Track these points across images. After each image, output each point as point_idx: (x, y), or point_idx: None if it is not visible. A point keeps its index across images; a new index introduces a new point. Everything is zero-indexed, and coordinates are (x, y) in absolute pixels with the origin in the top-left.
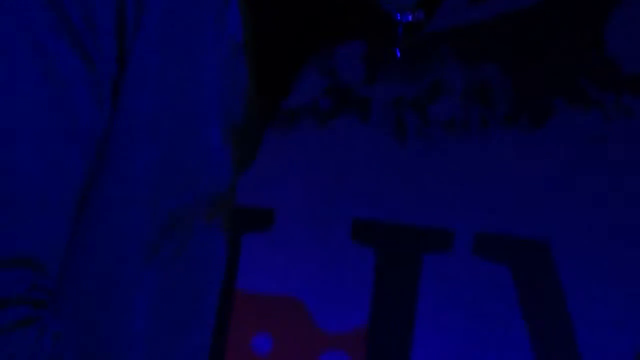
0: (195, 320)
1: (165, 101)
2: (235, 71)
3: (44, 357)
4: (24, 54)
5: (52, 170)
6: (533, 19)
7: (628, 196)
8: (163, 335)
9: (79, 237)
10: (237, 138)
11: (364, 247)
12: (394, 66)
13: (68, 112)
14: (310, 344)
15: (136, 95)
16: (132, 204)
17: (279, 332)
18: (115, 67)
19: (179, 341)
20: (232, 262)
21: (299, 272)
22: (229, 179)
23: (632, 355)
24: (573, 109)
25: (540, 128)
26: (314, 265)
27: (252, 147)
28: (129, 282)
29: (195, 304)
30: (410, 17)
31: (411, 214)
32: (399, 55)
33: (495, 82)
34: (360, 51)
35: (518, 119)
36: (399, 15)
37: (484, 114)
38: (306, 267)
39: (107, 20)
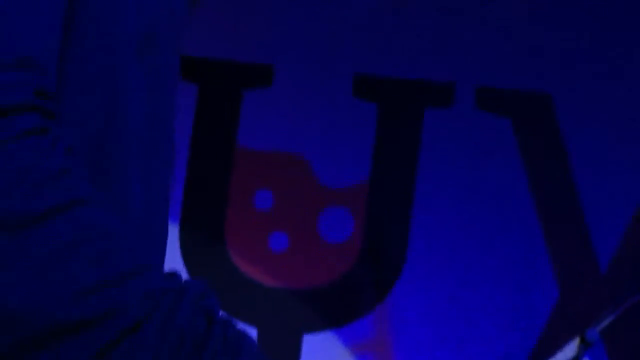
0: (166, 132)
1: None
2: None
3: (57, 170)
4: None
5: None
6: None
7: (629, 46)
8: (149, 137)
9: (73, 45)
10: None
11: (365, 102)
12: None
13: None
14: (311, 200)
15: None
16: (120, 13)
17: (280, 189)
18: None
19: (160, 142)
20: (232, 118)
21: (300, 129)
22: (186, 9)
23: (633, 206)
24: None
25: None
26: (315, 121)
27: None
28: (125, 79)
29: (167, 113)
30: None
31: (412, 68)
32: None
33: None
34: None
35: None
36: None
37: None
38: (307, 124)
39: None
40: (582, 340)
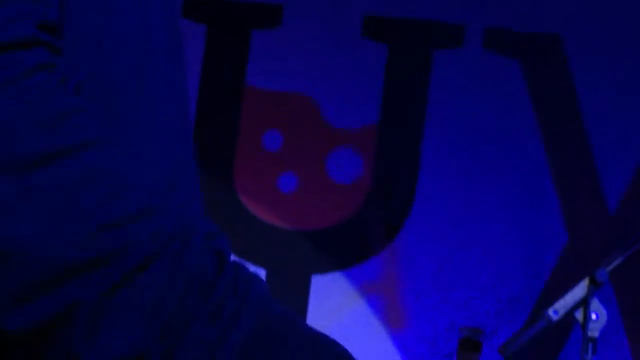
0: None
1: None
2: None
3: (66, 110)
4: None
5: None
6: None
7: None
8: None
9: None
10: None
11: (375, 43)
12: None
13: None
14: (320, 140)
15: None
16: None
17: (289, 129)
18: None
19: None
20: (241, 58)
21: (309, 69)
22: None
23: None
24: None
25: None
26: (325, 61)
27: None
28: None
29: (179, 43)
30: None
31: (422, 9)
32: None
33: None
34: None
35: None
36: None
37: None
38: (316, 64)
39: None
40: (592, 281)
